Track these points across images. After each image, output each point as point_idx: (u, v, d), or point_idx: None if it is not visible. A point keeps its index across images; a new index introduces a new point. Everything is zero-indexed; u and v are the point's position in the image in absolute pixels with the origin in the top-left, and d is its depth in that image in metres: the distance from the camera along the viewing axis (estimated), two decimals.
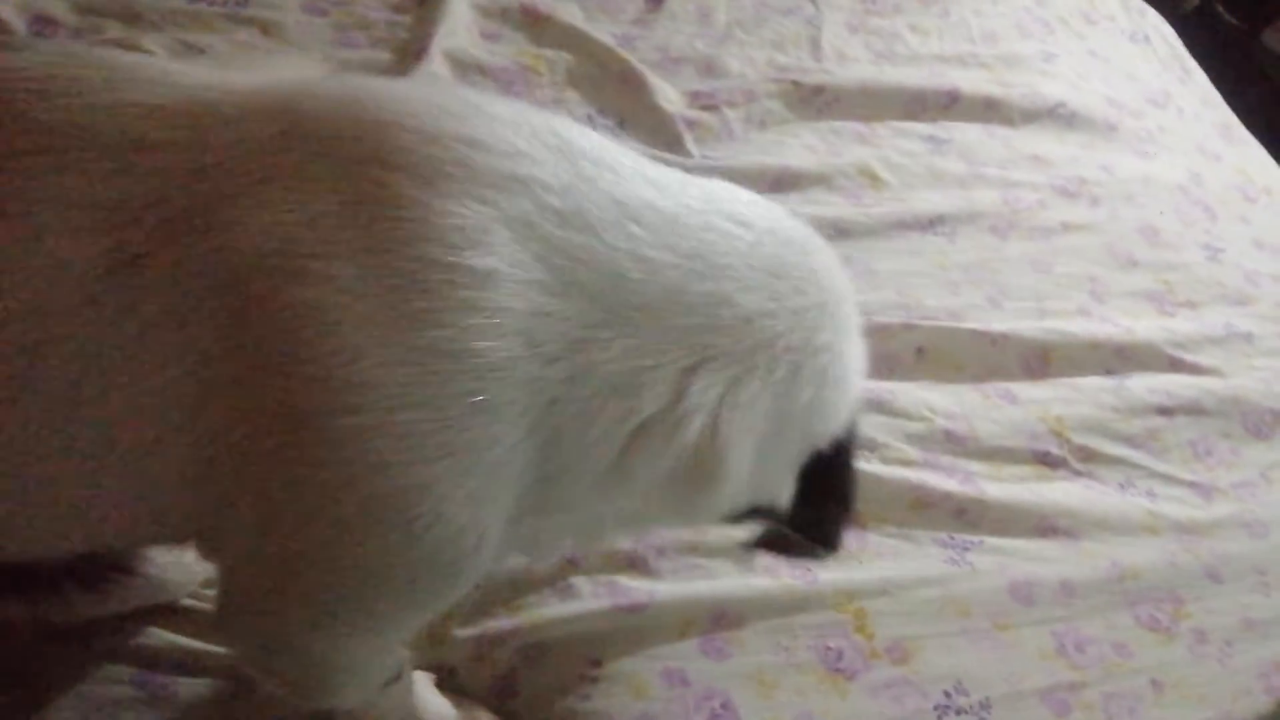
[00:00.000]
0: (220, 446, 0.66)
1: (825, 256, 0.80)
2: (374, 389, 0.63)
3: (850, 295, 0.81)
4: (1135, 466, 1.37)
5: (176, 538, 0.78)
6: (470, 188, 0.67)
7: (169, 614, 0.95)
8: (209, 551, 0.78)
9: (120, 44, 1.35)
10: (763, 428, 0.74)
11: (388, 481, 0.65)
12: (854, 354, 0.80)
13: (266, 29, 1.46)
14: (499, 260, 0.66)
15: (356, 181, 0.66)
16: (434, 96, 0.72)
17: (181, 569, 0.96)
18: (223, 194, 0.66)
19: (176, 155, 0.67)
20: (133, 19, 1.41)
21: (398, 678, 0.89)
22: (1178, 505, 1.35)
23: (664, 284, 0.70)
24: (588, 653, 1.03)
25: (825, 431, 0.79)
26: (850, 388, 0.80)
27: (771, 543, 0.90)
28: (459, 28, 1.54)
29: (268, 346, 0.64)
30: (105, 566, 0.90)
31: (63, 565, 0.87)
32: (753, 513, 0.83)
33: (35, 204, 0.65)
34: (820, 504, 0.84)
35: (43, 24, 1.38)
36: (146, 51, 1.34)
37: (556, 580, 1.06)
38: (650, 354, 0.69)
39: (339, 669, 0.80)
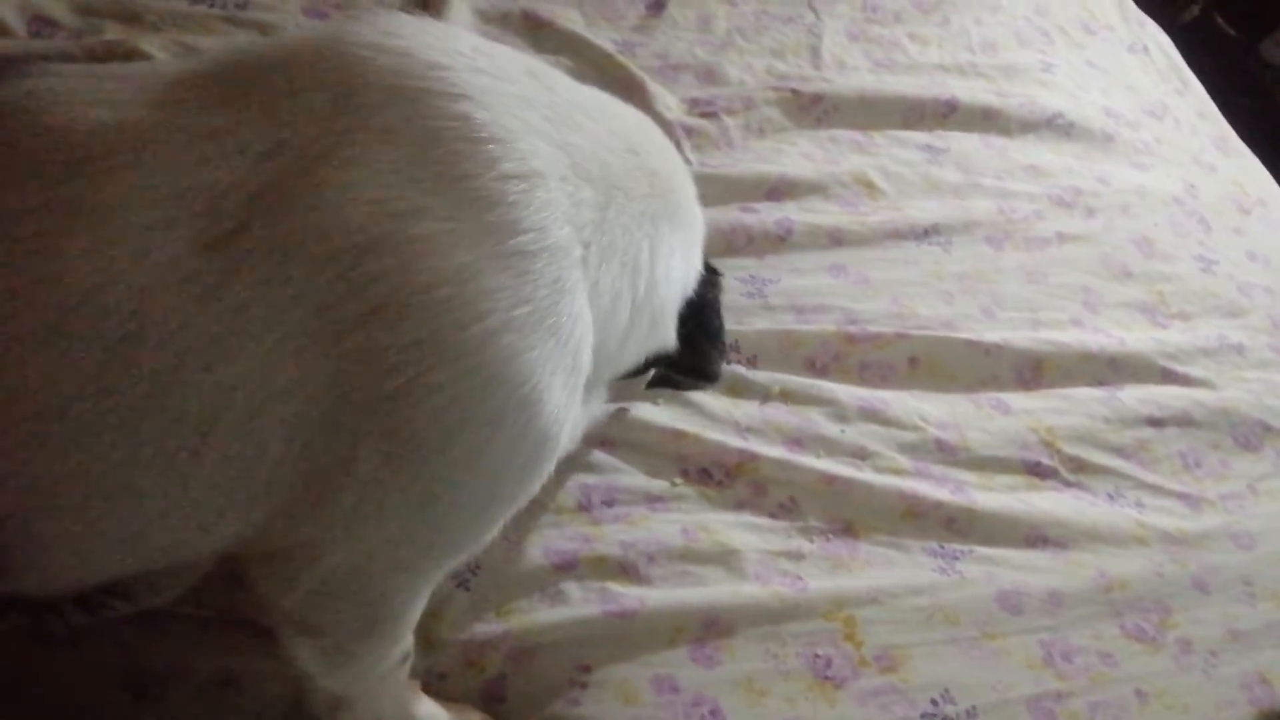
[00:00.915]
0: (337, 398, 0.70)
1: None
2: (492, 295, 0.72)
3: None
4: (1125, 477, 1.38)
5: (249, 534, 0.78)
6: (506, 107, 0.78)
7: (158, 618, 0.95)
8: (281, 535, 0.77)
9: (119, 45, 1.35)
10: (676, 276, 0.94)
11: (517, 371, 0.74)
12: (700, 228, 1.01)
13: (266, 31, 1.46)
14: (543, 162, 0.78)
15: (427, 120, 0.74)
16: (448, 37, 0.82)
17: (170, 573, 0.96)
18: (303, 163, 0.71)
19: (247, 136, 0.71)
20: (131, 20, 1.41)
21: (407, 657, 0.91)
22: (1166, 516, 1.36)
23: (621, 163, 0.87)
24: (577, 658, 1.04)
25: (692, 277, 0.99)
26: (699, 249, 1.00)
27: (664, 380, 1.11)
28: None
29: (388, 285, 0.70)
30: (104, 590, 0.91)
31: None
32: (655, 364, 1.01)
33: (119, 202, 0.68)
34: (696, 345, 1.02)
35: (42, 24, 1.39)
36: (145, 54, 1.34)
37: (547, 585, 1.07)
38: (635, 229, 0.86)
39: (393, 621, 0.85)
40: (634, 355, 0.95)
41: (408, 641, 0.91)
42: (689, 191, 0.99)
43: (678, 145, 1.54)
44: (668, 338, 0.97)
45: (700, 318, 1.02)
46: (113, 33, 1.39)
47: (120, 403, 0.67)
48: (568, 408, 0.79)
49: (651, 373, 1.07)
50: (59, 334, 0.66)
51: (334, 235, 0.70)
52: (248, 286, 0.68)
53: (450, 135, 0.75)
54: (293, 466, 0.72)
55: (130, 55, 1.34)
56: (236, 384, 0.69)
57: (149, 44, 1.37)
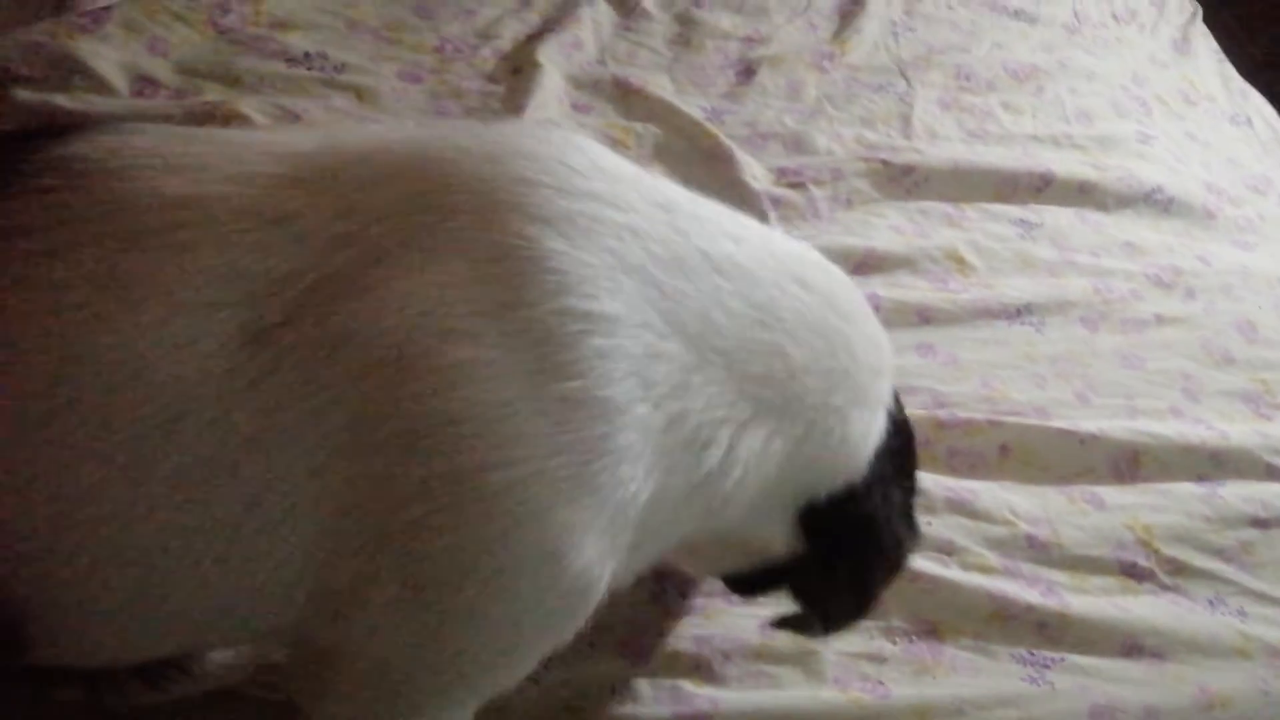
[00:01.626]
0: (359, 517, 0.67)
1: (868, 329, 0.88)
2: (526, 441, 0.67)
3: (878, 367, 0.88)
4: (1227, 582, 1.31)
5: (283, 628, 0.76)
6: (597, 238, 0.72)
7: (227, 699, 0.94)
8: (312, 637, 0.75)
9: (218, 107, 1.38)
10: (770, 476, 0.81)
11: (540, 527, 0.68)
12: (860, 419, 0.86)
13: (361, 95, 1.48)
14: (620, 304, 0.71)
15: (499, 237, 0.70)
16: (558, 152, 0.76)
17: (234, 654, 0.95)
18: (363, 260, 0.68)
19: (314, 224, 0.68)
20: (232, 82, 1.44)
21: None
22: (1272, 627, 1.28)
23: (739, 331, 0.77)
24: None
25: (818, 484, 0.86)
26: (851, 449, 0.86)
27: (788, 621, 0.98)
28: (551, 99, 1.55)
29: (416, 409, 0.66)
30: (164, 663, 0.90)
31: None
32: (766, 578, 0.92)
33: (172, 280, 0.66)
34: (830, 571, 0.91)
35: (144, 84, 1.42)
36: (243, 116, 1.36)
37: (616, 682, 1.04)
38: (722, 406, 0.76)
39: None
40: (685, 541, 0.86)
41: None
42: (830, 404, 0.82)
43: (762, 216, 1.53)
44: (757, 543, 0.88)
45: (855, 534, 0.90)
46: (212, 94, 1.43)
47: (151, 492, 0.66)
48: (604, 563, 0.73)
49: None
50: (100, 412, 0.65)
51: (374, 345, 0.66)
52: (284, 387, 0.66)
53: (515, 257, 0.69)
54: (316, 577, 0.70)
55: (229, 118, 1.36)
56: (263, 489, 0.67)
57: (247, 106, 1.40)
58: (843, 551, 0.90)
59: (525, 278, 0.69)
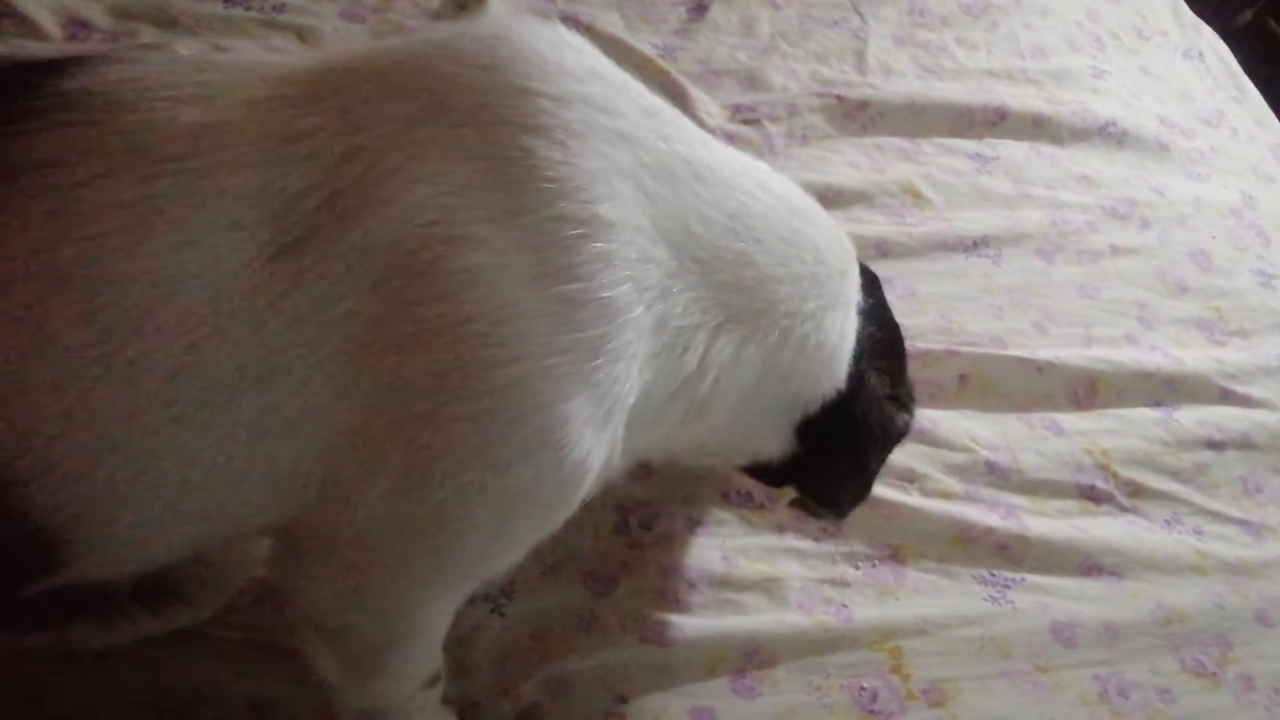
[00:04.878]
0: (372, 413, 0.71)
1: (828, 229, 0.91)
2: (531, 339, 0.71)
3: (844, 267, 0.91)
4: (1183, 503, 1.33)
5: (286, 519, 0.78)
6: (592, 144, 0.75)
7: (187, 640, 0.93)
8: (311, 525, 0.77)
9: (153, 49, 1.33)
10: (748, 383, 0.85)
11: (543, 418, 0.72)
12: (834, 323, 0.89)
13: (303, 35, 1.44)
14: (616, 209, 0.74)
15: (500, 148, 0.73)
16: (555, 53, 0.78)
17: (215, 585, 0.95)
18: (375, 173, 0.71)
19: (325, 141, 0.71)
20: (167, 24, 1.39)
21: (437, 680, 0.90)
22: (1226, 544, 1.30)
23: (713, 239, 0.80)
24: (614, 688, 1.00)
25: (806, 394, 0.90)
26: (828, 354, 0.89)
27: (799, 502, 1.05)
28: None
29: (430, 312, 0.70)
30: (164, 589, 0.91)
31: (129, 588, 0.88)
32: (762, 469, 0.97)
33: (194, 204, 0.68)
34: (828, 468, 0.97)
35: (77, 27, 1.37)
36: (130, 51, 1.31)
37: (581, 612, 1.03)
38: (697, 311, 0.80)
39: (412, 633, 0.84)
40: (675, 444, 0.91)
41: (436, 663, 0.90)
42: (802, 311, 0.86)
43: None
44: (749, 447, 0.94)
45: (845, 433, 0.95)
46: (148, 36, 1.38)
47: (184, 410, 0.69)
48: (596, 456, 0.77)
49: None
50: (138, 335, 0.67)
51: (389, 254, 0.70)
52: (306, 300, 0.69)
53: (515, 166, 0.72)
54: (325, 469, 0.73)
55: None
56: (286, 396, 0.70)
57: (185, 48, 1.36)
58: (835, 449, 0.95)
59: (524, 185, 0.72)
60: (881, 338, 0.97)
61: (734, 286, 0.82)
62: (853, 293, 0.93)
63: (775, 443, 0.94)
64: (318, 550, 0.78)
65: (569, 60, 0.78)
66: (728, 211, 0.82)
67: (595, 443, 0.76)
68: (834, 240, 0.91)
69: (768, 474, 1.01)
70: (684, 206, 0.79)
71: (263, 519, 0.77)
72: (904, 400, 1.01)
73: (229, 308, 0.68)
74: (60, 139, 0.68)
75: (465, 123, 0.73)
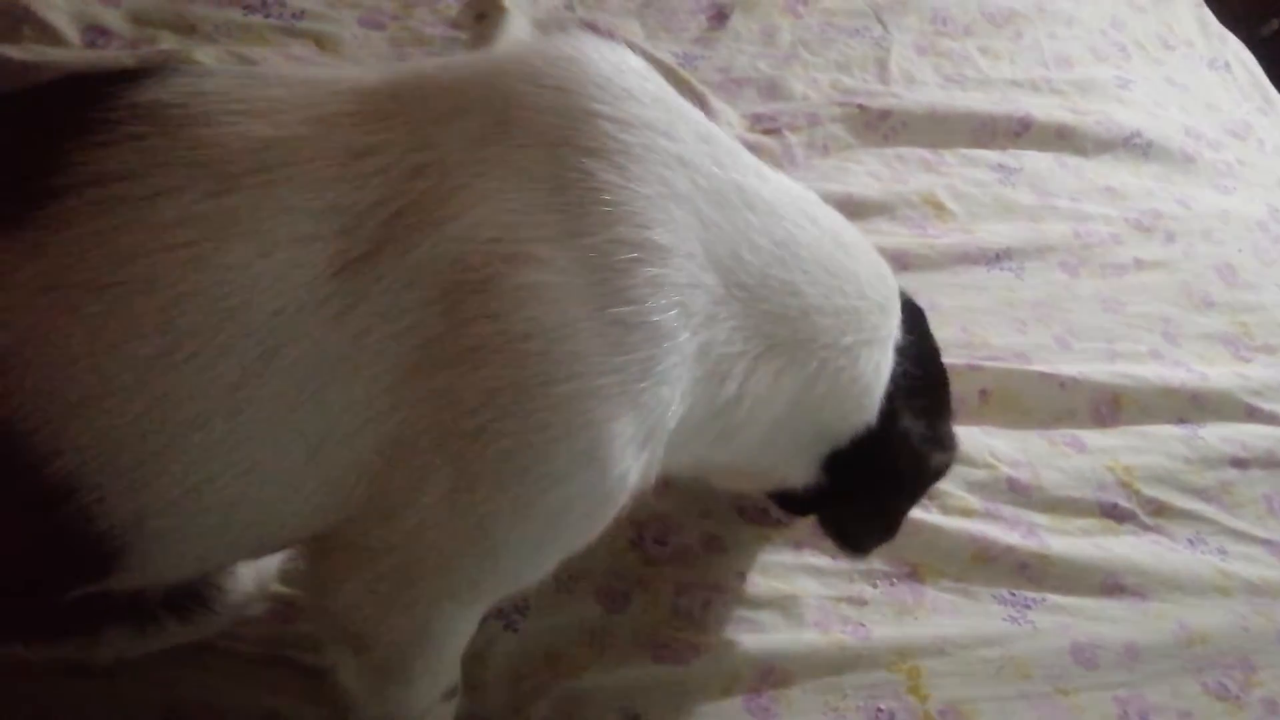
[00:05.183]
0: (423, 426, 0.72)
1: (871, 263, 0.92)
2: (584, 359, 0.72)
3: (884, 303, 0.92)
4: (1207, 522, 1.31)
5: (329, 528, 0.79)
6: (650, 168, 0.77)
7: (200, 654, 0.93)
8: (351, 535, 0.78)
9: (173, 56, 1.33)
10: (780, 410, 0.86)
11: (590, 437, 0.74)
12: (870, 358, 0.90)
13: (322, 43, 1.44)
14: (669, 234, 0.76)
15: (561, 169, 0.74)
16: (622, 79, 0.80)
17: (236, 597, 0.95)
18: (442, 189, 0.72)
19: (394, 156, 0.73)
20: (187, 30, 1.40)
21: (454, 693, 0.91)
22: (1251, 564, 1.28)
23: (761, 267, 0.82)
24: (626, 706, 0.99)
25: (835, 427, 0.92)
26: (861, 389, 0.90)
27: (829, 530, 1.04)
28: None
29: (487, 328, 0.71)
30: (191, 598, 0.92)
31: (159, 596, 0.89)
32: (787, 497, 0.99)
33: (264, 219, 0.70)
34: (851, 503, 0.98)
35: (96, 33, 1.37)
36: (198, 64, 1.32)
37: (596, 629, 1.02)
38: (740, 340, 0.81)
39: (439, 642, 0.84)
40: (702, 464, 0.93)
41: (455, 675, 0.90)
42: (840, 344, 0.87)
43: None
44: (776, 473, 0.96)
45: (872, 469, 0.95)
46: (168, 43, 1.38)
47: (252, 418, 0.70)
48: (634, 475, 0.78)
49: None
50: (208, 346, 0.68)
51: (451, 270, 0.71)
52: (371, 314, 0.70)
53: (574, 189, 0.74)
54: (374, 479, 0.74)
55: None
56: (344, 409, 0.71)
57: (204, 55, 1.36)
58: (860, 485, 0.96)
59: (583, 207, 0.74)
60: (921, 375, 0.97)
61: (778, 316, 0.83)
62: (892, 328, 0.93)
63: (801, 472, 0.95)
64: (355, 557, 0.78)
65: (633, 84, 0.80)
66: (776, 240, 0.83)
67: (635, 462, 0.77)
68: (876, 275, 0.92)
69: (793, 503, 1.02)
70: (735, 233, 0.81)
71: (312, 527, 0.78)
72: (943, 441, 1.00)
73: (296, 321, 0.69)
74: (134, 151, 0.70)
75: (531, 142, 0.75)
